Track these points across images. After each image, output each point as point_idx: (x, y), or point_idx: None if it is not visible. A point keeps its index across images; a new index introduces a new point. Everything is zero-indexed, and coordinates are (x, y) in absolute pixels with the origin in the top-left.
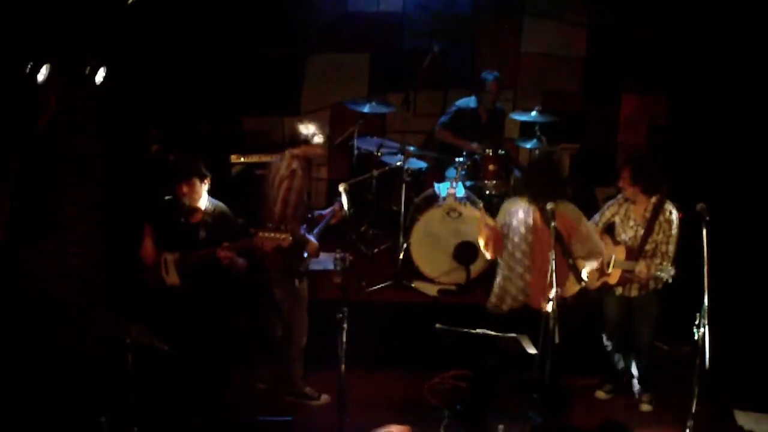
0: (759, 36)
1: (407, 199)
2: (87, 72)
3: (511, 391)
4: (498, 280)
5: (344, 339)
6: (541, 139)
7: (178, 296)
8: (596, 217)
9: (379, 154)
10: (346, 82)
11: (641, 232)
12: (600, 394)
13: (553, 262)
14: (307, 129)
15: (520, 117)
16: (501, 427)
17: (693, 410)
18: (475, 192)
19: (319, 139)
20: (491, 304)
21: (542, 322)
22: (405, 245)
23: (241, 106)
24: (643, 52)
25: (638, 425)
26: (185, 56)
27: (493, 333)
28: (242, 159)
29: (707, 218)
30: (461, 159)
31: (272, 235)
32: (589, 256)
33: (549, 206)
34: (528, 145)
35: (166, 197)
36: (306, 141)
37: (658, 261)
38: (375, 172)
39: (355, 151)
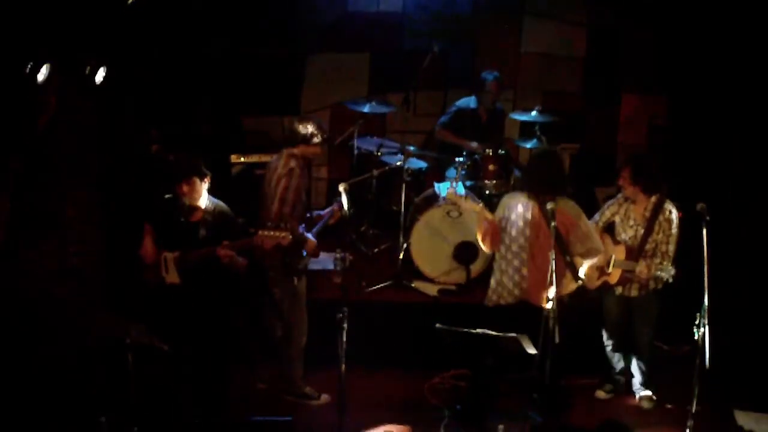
0: (759, 36)
1: (407, 199)
2: (87, 72)
3: (511, 391)
4: (495, 274)
5: (344, 339)
6: (541, 139)
7: (178, 295)
8: (596, 216)
9: (379, 154)
10: (346, 82)
11: (641, 231)
12: (600, 394)
13: (553, 263)
14: (305, 128)
15: (520, 117)
16: (501, 427)
17: (693, 410)
18: (475, 192)
19: (317, 138)
20: (489, 300)
21: (542, 321)
22: (405, 245)
23: (241, 106)
24: (643, 52)
25: (638, 425)
26: (185, 56)
27: (493, 333)
28: (242, 159)
29: (707, 218)
30: (461, 159)
31: (272, 233)
32: (587, 254)
33: (549, 206)
34: (528, 145)
35: (167, 196)
36: (304, 140)
37: (658, 261)
38: (375, 172)
39: (355, 151)
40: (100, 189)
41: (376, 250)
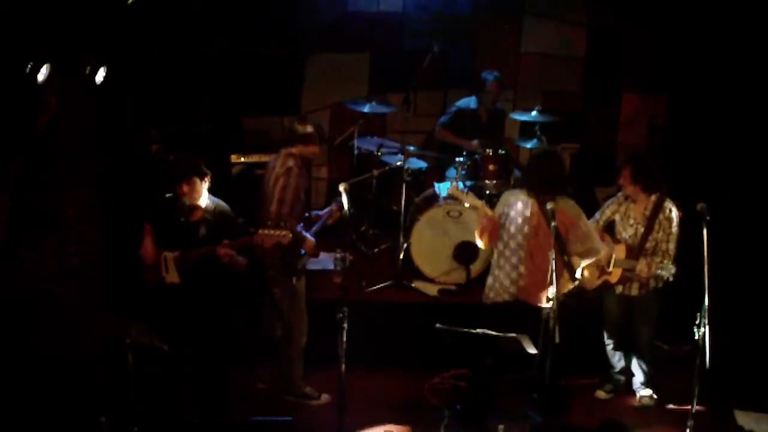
0: (759, 36)
1: (407, 199)
2: (87, 72)
3: (511, 391)
4: (492, 271)
5: (344, 339)
6: (542, 139)
7: (178, 295)
8: (597, 215)
9: (379, 153)
10: (346, 82)
11: (641, 230)
12: (600, 394)
13: (553, 262)
14: (303, 128)
15: (520, 117)
16: (501, 427)
17: (693, 410)
18: (476, 192)
19: (315, 138)
20: (485, 297)
21: (542, 321)
22: (405, 245)
23: (241, 106)
24: (643, 52)
25: (638, 425)
26: (185, 56)
27: (493, 333)
28: (242, 159)
29: (707, 218)
30: (461, 159)
31: (272, 232)
32: (585, 254)
33: (549, 206)
34: (528, 145)
35: (167, 195)
36: (302, 139)
37: (658, 259)
38: (375, 172)
39: (355, 151)
40: (100, 189)
41: (376, 250)
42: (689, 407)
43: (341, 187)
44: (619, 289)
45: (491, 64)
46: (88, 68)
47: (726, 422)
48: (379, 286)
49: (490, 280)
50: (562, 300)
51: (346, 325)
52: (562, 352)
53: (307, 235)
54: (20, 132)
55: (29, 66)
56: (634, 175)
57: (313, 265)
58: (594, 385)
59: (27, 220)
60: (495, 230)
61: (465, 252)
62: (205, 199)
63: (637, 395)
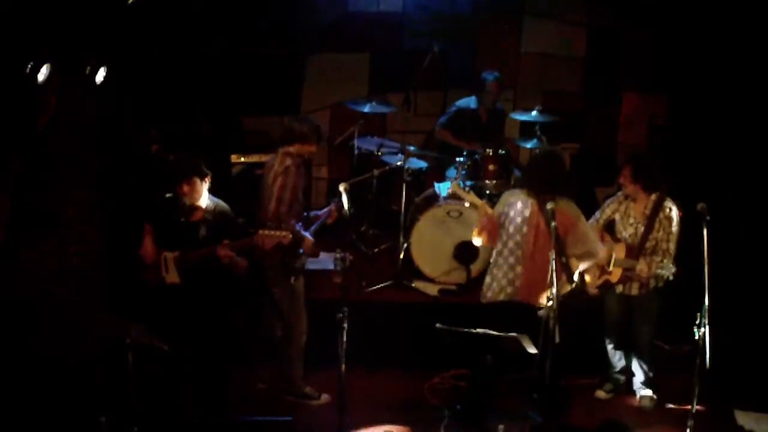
0: (759, 36)
1: (407, 198)
2: (87, 72)
3: (511, 391)
4: (490, 271)
5: (344, 339)
6: (542, 139)
7: (179, 295)
8: (597, 214)
9: (379, 153)
10: (346, 82)
11: (641, 229)
12: (600, 394)
13: (553, 262)
14: (301, 127)
15: (520, 117)
16: (501, 427)
17: (693, 410)
18: (476, 192)
19: (313, 137)
20: (483, 297)
21: (540, 321)
22: (405, 245)
23: (241, 106)
24: (643, 52)
25: (638, 425)
26: (185, 56)
27: (493, 333)
28: (242, 159)
29: (707, 218)
30: (461, 159)
31: (272, 233)
32: (583, 257)
33: (549, 206)
34: (528, 145)
35: (167, 195)
36: (300, 139)
37: (658, 259)
38: (375, 172)
39: (356, 151)
40: (100, 189)
41: (376, 250)
42: (689, 407)
43: (341, 187)
44: (620, 288)
45: (491, 64)
46: (88, 68)
47: (726, 422)
48: (379, 286)
49: (488, 279)
50: (561, 300)
51: (346, 325)
52: (562, 352)
53: (306, 235)
54: (20, 132)
55: (29, 66)
56: (634, 174)
57: (313, 264)
58: (594, 385)
59: (27, 220)
60: (494, 229)
61: (465, 252)
62: (205, 199)
63: (637, 395)
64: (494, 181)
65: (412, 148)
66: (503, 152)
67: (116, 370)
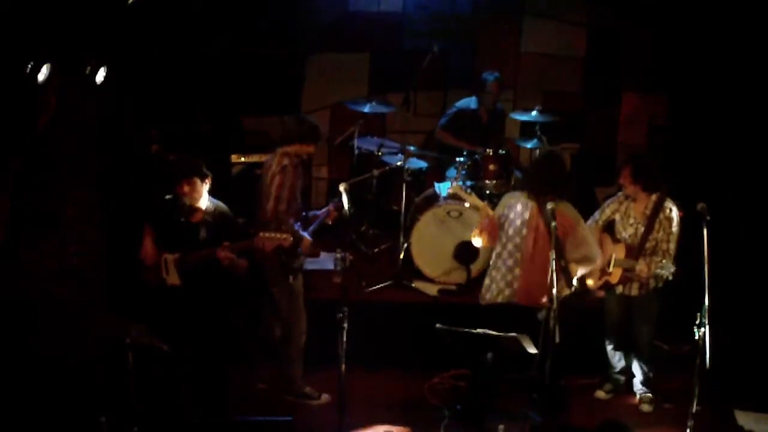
0: (759, 36)
1: (407, 199)
2: (87, 72)
3: (511, 391)
4: (489, 273)
5: (344, 339)
6: (542, 139)
7: (179, 296)
8: (596, 214)
9: (379, 153)
10: (346, 82)
11: (641, 229)
12: (600, 394)
13: (553, 262)
14: (299, 127)
15: (520, 117)
16: (501, 427)
17: (693, 410)
18: (476, 192)
19: (311, 137)
20: (482, 299)
21: (541, 321)
22: (405, 245)
23: (241, 106)
24: (643, 52)
25: (638, 425)
26: (185, 56)
27: (493, 333)
28: (242, 159)
29: (707, 218)
30: (461, 159)
31: (273, 235)
32: (582, 261)
33: (549, 206)
34: (528, 145)
35: (167, 197)
36: (298, 138)
37: (658, 259)
38: (375, 172)
39: (356, 151)
40: (100, 189)
41: (376, 250)
42: (689, 407)
43: (341, 187)
44: (620, 289)
45: (491, 64)
46: (88, 68)
47: (726, 422)
48: (379, 286)
49: (486, 281)
50: (561, 301)
51: (346, 325)
52: (562, 352)
53: (304, 234)
54: (20, 132)
55: (29, 66)
56: (634, 174)
57: (313, 264)
58: (594, 385)
59: (27, 220)
60: (494, 231)
61: (465, 252)
62: (205, 200)
63: (637, 395)
64: (494, 182)
65: (412, 148)
66: (503, 152)
67: (116, 370)
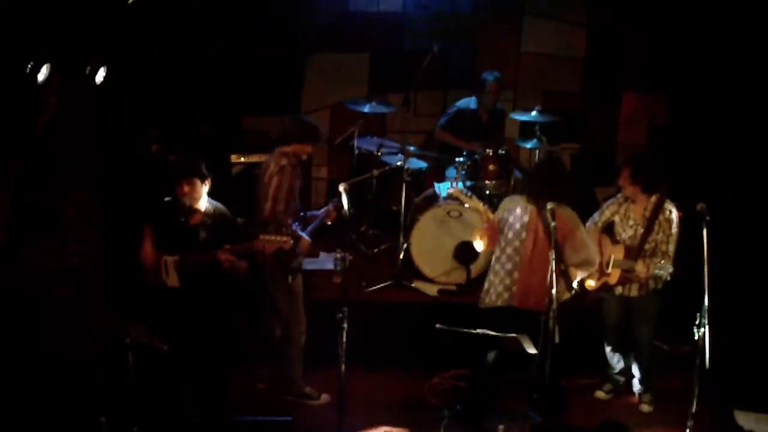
0: (759, 36)
1: (407, 199)
2: (87, 72)
3: (511, 391)
4: (488, 276)
5: (344, 339)
6: (541, 139)
7: (179, 296)
8: (596, 216)
9: (379, 154)
10: (346, 82)
11: (641, 231)
12: (600, 394)
13: (553, 263)
14: (298, 126)
15: (520, 117)
16: (501, 427)
17: (693, 410)
18: (475, 192)
19: (309, 137)
20: (481, 302)
21: (541, 321)
22: (405, 245)
23: (241, 106)
24: (643, 52)
25: (638, 425)
26: (185, 56)
27: (493, 333)
28: (242, 159)
29: (707, 218)
30: (461, 159)
31: (274, 238)
32: (581, 265)
33: (549, 206)
34: (528, 145)
35: (166, 199)
36: (296, 138)
37: (657, 260)
38: (375, 172)
39: (355, 151)
40: (100, 189)
41: (376, 250)
42: (689, 407)
43: (341, 187)
44: (619, 290)
45: (491, 64)
46: (88, 68)
47: (726, 422)
48: (379, 286)
49: (486, 285)
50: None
51: (346, 325)
52: (561, 352)
53: (303, 234)
54: (20, 132)
55: (29, 66)
56: (633, 175)
57: (312, 264)
58: (594, 385)
59: (27, 220)
60: (494, 234)
61: (465, 252)
62: (204, 202)
63: (637, 395)
64: (494, 182)
65: (411, 148)
66: (503, 152)
67: (116, 370)
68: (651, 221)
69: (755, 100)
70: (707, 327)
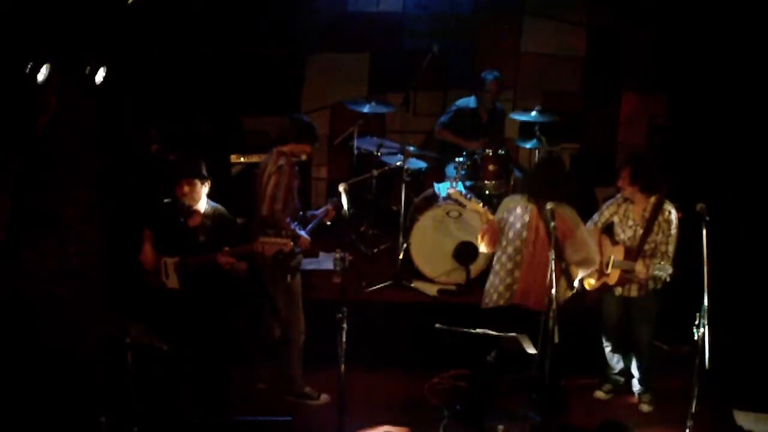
0: (759, 36)
1: (407, 199)
2: (87, 72)
3: (511, 391)
4: (490, 277)
5: (344, 339)
6: (541, 139)
7: (179, 297)
8: (595, 216)
9: (379, 154)
10: (346, 82)
11: (640, 231)
12: (600, 394)
13: (552, 263)
14: (296, 126)
15: (520, 117)
16: (501, 427)
17: (693, 410)
18: (475, 192)
19: (307, 136)
20: (483, 303)
21: (541, 321)
22: (405, 245)
23: (241, 106)
24: (643, 52)
25: (638, 425)
26: (185, 56)
27: (493, 333)
28: (242, 159)
29: (707, 218)
30: (461, 159)
31: (274, 240)
32: (582, 264)
33: (549, 206)
34: (528, 145)
35: (165, 200)
36: (294, 138)
37: (657, 261)
38: (375, 172)
39: (355, 151)
40: (100, 189)
41: (375, 250)
42: (689, 407)
43: (341, 188)
44: (619, 290)
45: (491, 64)
46: (88, 68)
47: (725, 422)
48: (378, 286)
49: (488, 286)
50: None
51: (345, 325)
52: (561, 352)
53: (302, 233)
54: (20, 132)
55: (29, 66)
56: (633, 176)
57: (312, 264)
58: (593, 385)
59: (27, 220)
60: (495, 235)
61: (465, 252)
62: (203, 204)
63: (637, 395)
64: (494, 182)
65: (411, 148)
66: (503, 152)
67: (116, 370)
68: (650, 222)
69: (755, 100)
70: (707, 327)
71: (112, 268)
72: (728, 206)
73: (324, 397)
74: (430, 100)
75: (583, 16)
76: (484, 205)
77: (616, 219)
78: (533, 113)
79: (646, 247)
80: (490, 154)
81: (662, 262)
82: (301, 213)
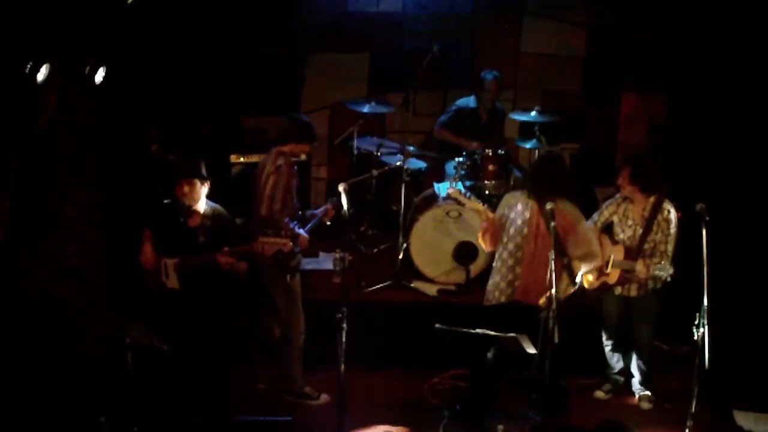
0: (759, 36)
1: (407, 199)
2: (87, 72)
3: (511, 391)
4: (492, 274)
5: (344, 339)
6: (541, 139)
7: (179, 297)
8: (595, 216)
9: (378, 154)
10: (346, 82)
11: (640, 231)
12: (600, 394)
13: (552, 263)
14: (295, 126)
15: (520, 117)
16: (501, 427)
17: (693, 410)
18: (475, 192)
19: (306, 136)
20: (486, 300)
21: (541, 321)
22: (404, 245)
23: (241, 106)
24: (643, 52)
25: (638, 425)
26: (185, 56)
27: (493, 333)
28: (242, 159)
29: (707, 218)
30: (461, 159)
31: (273, 240)
32: (584, 258)
33: (549, 206)
34: (528, 145)
35: (165, 201)
36: (293, 138)
37: (656, 260)
38: (375, 172)
39: (355, 151)
40: (100, 189)
41: (375, 250)
42: (689, 407)
43: (340, 188)
44: (618, 290)
45: (491, 64)
46: (88, 68)
47: (725, 422)
48: (378, 286)
49: (489, 284)
50: (562, 303)
51: (345, 325)
52: (561, 352)
53: (301, 232)
54: (20, 132)
55: (29, 66)
56: (632, 176)
57: (311, 264)
58: (594, 385)
59: (27, 220)
60: (496, 232)
61: (465, 252)
62: (203, 204)
63: (637, 395)
64: (494, 182)
65: (411, 148)
66: (503, 152)
67: (116, 370)
68: (650, 221)
69: (755, 100)
70: (707, 327)
71: (112, 268)
72: (728, 206)
73: (324, 397)
74: (430, 100)
75: (583, 16)
76: (483, 204)
77: (615, 218)
78: (533, 113)
79: (646, 246)
80: (490, 154)
81: (662, 262)
82: (300, 212)
